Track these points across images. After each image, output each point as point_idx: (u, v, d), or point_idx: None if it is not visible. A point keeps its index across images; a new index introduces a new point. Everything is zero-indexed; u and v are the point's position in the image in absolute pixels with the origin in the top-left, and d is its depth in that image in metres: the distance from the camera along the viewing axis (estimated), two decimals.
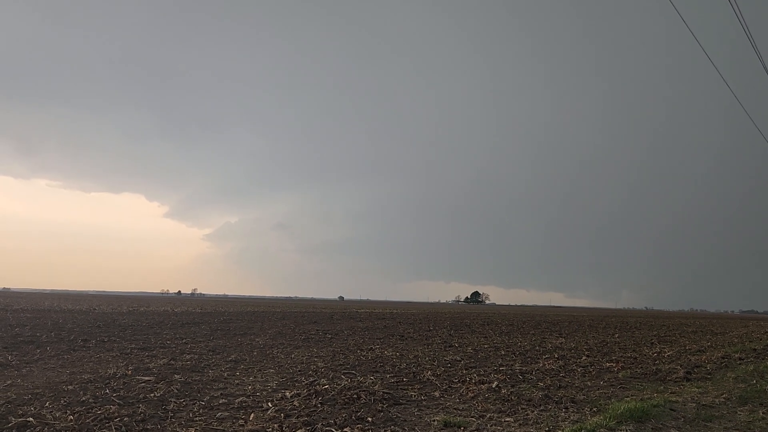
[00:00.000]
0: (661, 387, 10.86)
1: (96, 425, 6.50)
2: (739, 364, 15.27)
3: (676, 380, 11.79)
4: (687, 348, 20.41)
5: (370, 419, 7.27)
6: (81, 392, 8.49)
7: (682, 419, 7.84)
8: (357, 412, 7.66)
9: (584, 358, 15.81)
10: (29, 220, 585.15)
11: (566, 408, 8.37)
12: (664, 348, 20.03)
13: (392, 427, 6.95)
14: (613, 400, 9.09)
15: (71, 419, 6.70)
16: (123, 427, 6.46)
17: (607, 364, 14.18)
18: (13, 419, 6.60)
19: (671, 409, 8.43)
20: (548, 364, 13.97)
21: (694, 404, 8.97)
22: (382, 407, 8.06)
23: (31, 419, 6.59)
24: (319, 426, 6.77)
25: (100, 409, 7.27)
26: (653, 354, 17.58)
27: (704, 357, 16.78)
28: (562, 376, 11.90)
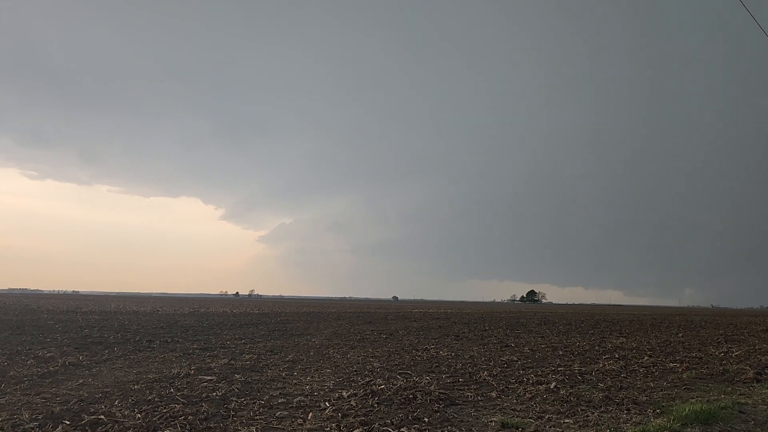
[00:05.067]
0: (729, 388, 10.44)
1: (162, 423, 6.76)
2: None
3: (745, 381, 11.31)
4: (757, 347, 19.50)
5: (426, 419, 7.28)
6: (147, 391, 8.83)
7: (752, 422, 7.52)
8: (413, 412, 7.68)
9: (646, 358, 15.34)
10: (92, 225, 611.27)
11: (628, 410, 8.15)
12: (731, 347, 19.21)
13: (449, 427, 6.94)
14: (677, 401, 8.80)
15: (139, 417, 6.98)
16: (188, 426, 6.69)
17: (671, 365, 13.72)
18: (86, 417, 6.93)
19: (740, 412, 8.10)
20: (608, 364, 13.63)
21: (766, 407, 8.59)
22: (439, 407, 8.06)
23: (102, 417, 6.90)
24: (376, 426, 6.82)
25: (165, 408, 7.55)
26: (720, 354, 16.89)
27: None
28: (623, 376, 11.59)
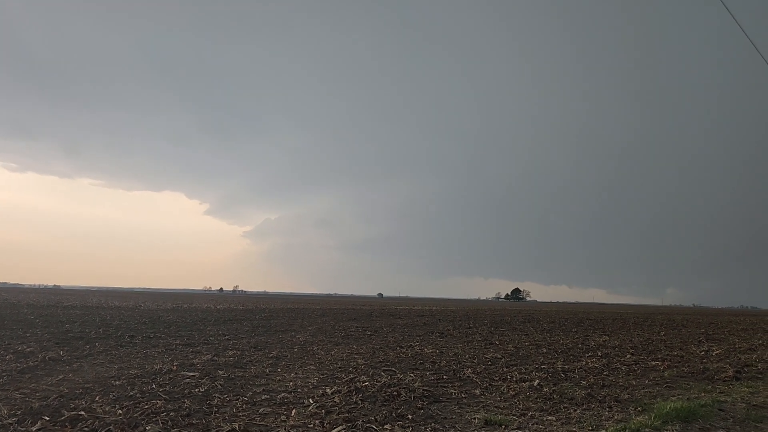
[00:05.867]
0: (709, 386, 10.56)
1: (144, 419, 6.69)
2: None
3: (725, 380, 11.45)
4: (737, 346, 19.76)
5: (410, 416, 7.28)
6: (129, 387, 8.74)
7: (731, 420, 7.61)
8: (397, 409, 7.68)
9: (629, 356, 15.49)
10: (74, 219, 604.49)
11: (610, 407, 8.22)
12: (712, 346, 19.44)
13: (432, 424, 6.95)
14: (658, 399, 8.88)
15: (120, 413, 6.91)
16: (169, 422, 6.64)
17: (653, 363, 13.86)
18: (66, 412, 6.84)
19: (720, 410, 8.19)
20: (591, 362, 13.74)
21: (744, 404, 8.70)
22: (422, 405, 8.07)
23: (82, 413, 6.82)
24: (359, 423, 6.81)
25: (147, 404, 7.48)
26: (701, 352, 17.09)
27: (755, 356, 16.25)
28: (606, 374, 11.69)
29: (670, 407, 7.71)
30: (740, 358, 15.44)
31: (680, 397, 9.15)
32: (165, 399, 7.90)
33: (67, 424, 6.40)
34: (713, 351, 17.57)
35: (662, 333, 27.40)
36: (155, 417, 6.82)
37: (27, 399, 7.71)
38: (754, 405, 8.69)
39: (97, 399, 7.78)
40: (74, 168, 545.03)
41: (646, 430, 6.72)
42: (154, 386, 8.86)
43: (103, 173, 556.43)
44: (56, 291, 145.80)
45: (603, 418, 7.51)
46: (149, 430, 6.27)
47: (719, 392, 9.88)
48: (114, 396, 8.02)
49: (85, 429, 6.19)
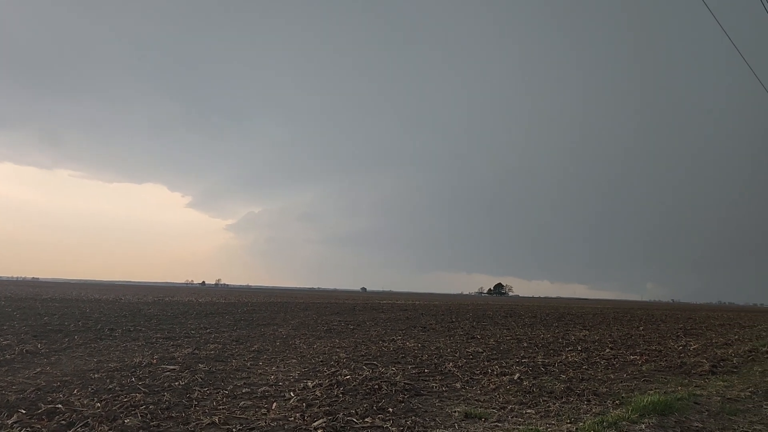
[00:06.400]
0: (686, 380, 10.73)
1: (122, 412, 6.64)
2: (767, 357, 15.00)
3: (702, 374, 11.64)
4: (713, 341, 20.10)
5: (391, 410, 7.31)
6: (108, 380, 8.67)
7: (706, 413, 7.74)
8: (378, 402, 7.71)
9: (608, 350, 15.67)
10: (53, 211, 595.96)
11: (588, 400, 8.32)
12: (689, 341, 19.75)
13: (413, 417, 6.98)
14: (636, 393, 9.00)
15: (98, 406, 6.85)
16: (148, 415, 6.59)
17: (631, 357, 14.04)
18: (43, 405, 6.77)
19: (695, 403, 8.32)
20: (571, 356, 13.88)
21: (719, 398, 8.85)
22: (404, 398, 8.10)
23: (60, 406, 6.75)
24: (340, 416, 6.82)
25: (126, 397, 7.42)
26: (678, 347, 17.35)
27: (731, 350, 16.53)
28: (585, 368, 11.82)
29: (647, 401, 7.81)
30: (716, 353, 15.69)
31: (657, 390, 9.28)
32: (144, 392, 7.84)
33: (44, 417, 6.34)
34: (690, 346, 17.84)
35: (641, 328, 27.75)
36: (134, 410, 6.77)
37: (3, 392, 7.61)
38: (728, 398, 8.85)
39: (75, 392, 7.70)
40: (53, 159, 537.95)
41: (623, 423, 6.80)
42: (133, 379, 8.80)
43: (83, 164, 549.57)
44: (35, 283, 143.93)
45: (581, 411, 7.60)
46: (128, 423, 6.23)
47: (695, 386, 10.04)
48: (92, 389, 7.95)
49: (63, 422, 6.13)
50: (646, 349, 16.27)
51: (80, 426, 5.99)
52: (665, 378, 10.97)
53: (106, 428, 5.96)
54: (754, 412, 7.94)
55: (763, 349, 17.15)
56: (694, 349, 16.88)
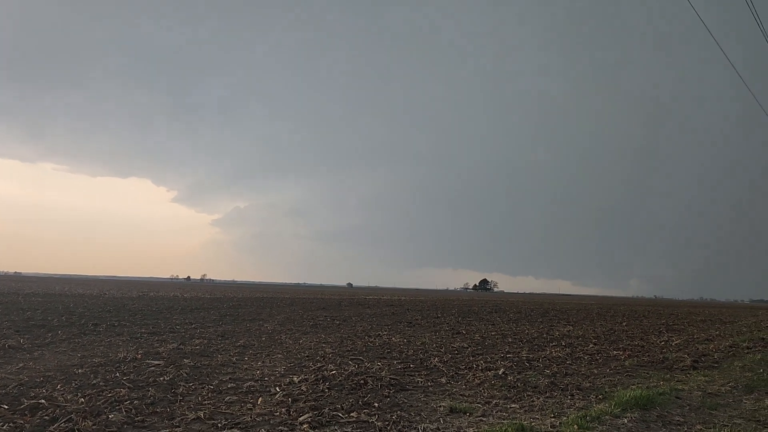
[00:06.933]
0: (668, 375, 10.87)
1: (106, 408, 6.60)
2: (747, 353, 15.25)
3: (683, 369, 11.80)
4: (695, 337, 20.37)
5: (376, 405, 7.33)
6: (92, 375, 8.61)
7: (688, 407, 7.86)
8: (364, 397, 7.73)
9: (591, 345, 15.83)
10: (37, 205, 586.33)
11: (572, 395, 8.41)
12: (672, 336, 20.00)
13: (398, 412, 7.01)
14: (619, 387, 9.11)
15: (82, 401, 6.80)
16: (133, 410, 6.56)
17: (614, 352, 14.20)
18: (26, 401, 6.70)
19: (677, 397, 8.45)
20: (555, 351, 14.01)
21: (700, 392, 8.99)
22: (389, 393, 8.13)
23: (42, 401, 6.69)
24: (326, 411, 6.84)
25: (110, 392, 7.38)
26: (661, 342, 17.57)
27: (712, 346, 16.76)
28: (569, 363, 11.93)
29: (629, 395, 7.92)
30: (698, 348, 15.92)
31: (640, 385, 9.40)
32: (129, 387, 7.80)
33: (26, 412, 6.28)
34: (673, 341, 18.08)
35: (624, 323, 28.07)
36: (118, 405, 6.73)
37: None
38: (709, 393, 8.99)
39: (58, 387, 7.64)
40: (37, 152, 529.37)
41: (606, 417, 6.89)
42: (117, 374, 8.74)
43: (67, 158, 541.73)
44: (17, 278, 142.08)
45: (565, 405, 7.68)
46: (112, 418, 6.20)
47: (677, 381, 10.18)
48: (76, 384, 7.89)
49: (46, 417, 6.08)
50: (629, 345, 16.46)
51: (63, 421, 5.94)
52: (648, 373, 11.11)
53: (90, 423, 5.92)
54: (734, 407, 8.08)
55: (744, 344, 17.43)
56: (676, 344, 17.10)
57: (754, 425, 6.98)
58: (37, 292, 40.57)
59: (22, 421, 5.95)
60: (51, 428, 5.75)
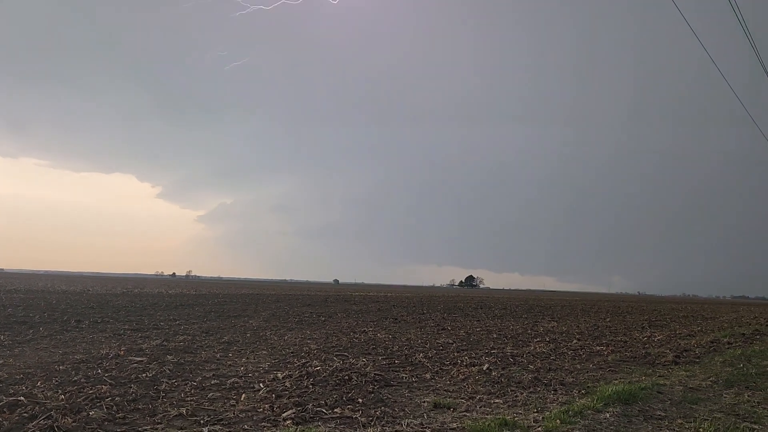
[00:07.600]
0: (650, 370, 10.98)
1: (87, 404, 6.53)
2: (728, 348, 15.44)
3: (665, 364, 11.92)
4: (677, 332, 20.59)
5: (360, 400, 7.33)
6: (73, 372, 8.52)
7: (669, 402, 7.94)
8: (348, 393, 7.72)
9: (575, 341, 15.94)
10: (18, 201, 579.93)
11: (555, 390, 8.46)
12: (654, 332, 20.20)
13: (383, 408, 7.01)
14: (601, 382, 9.19)
15: (63, 398, 6.72)
16: (114, 407, 6.50)
17: (598, 348, 14.31)
18: (4, 398, 6.61)
19: (658, 392, 8.53)
20: (539, 347, 14.09)
21: (682, 387, 9.09)
22: (374, 389, 8.13)
23: (22, 398, 6.60)
24: (309, 407, 6.82)
25: (92, 389, 7.30)
26: (643, 338, 17.73)
27: (693, 341, 16.95)
28: (553, 359, 12.01)
29: (611, 390, 7.99)
30: (680, 344, 16.09)
31: (622, 380, 9.48)
32: (111, 384, 7.72)
33: (5, 410, 6.19)
34: (655, 337, 18.25)
35: (608, 319, 28.31)
36: (99, 402, 6.67)
37: None
38: (690, 388, 9.09)
39: (38, 384, 7.55)
40: (18, 147, 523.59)
41: (589, 412, 6.94)
42: (99, 371, 8.65)
43: (50, 153, 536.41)
44: None
45: (548, 400, 7.73)
46: (93, 415, 6.13)
47: (659, 376, 10.28)
48: (57, 381, 7.81)
49: (25, 414, 6.00)
50: (612, 340, 16.60)
51: (43, 418, 5.87)
52: (630, 368, 11.21)
53: (70, 420, 5.86)
54: (714, 401, 8.17)
55: (725, 340, 17.66)
56: (658, 340, 17.27)
57: (733, 419, 7.07)
58: (19, 289, 40.07)
59: (0, 419, 5.86)
60: (30, 425, 5.68)
